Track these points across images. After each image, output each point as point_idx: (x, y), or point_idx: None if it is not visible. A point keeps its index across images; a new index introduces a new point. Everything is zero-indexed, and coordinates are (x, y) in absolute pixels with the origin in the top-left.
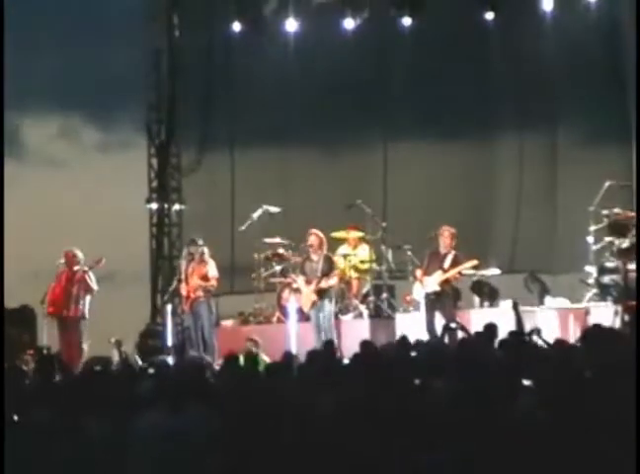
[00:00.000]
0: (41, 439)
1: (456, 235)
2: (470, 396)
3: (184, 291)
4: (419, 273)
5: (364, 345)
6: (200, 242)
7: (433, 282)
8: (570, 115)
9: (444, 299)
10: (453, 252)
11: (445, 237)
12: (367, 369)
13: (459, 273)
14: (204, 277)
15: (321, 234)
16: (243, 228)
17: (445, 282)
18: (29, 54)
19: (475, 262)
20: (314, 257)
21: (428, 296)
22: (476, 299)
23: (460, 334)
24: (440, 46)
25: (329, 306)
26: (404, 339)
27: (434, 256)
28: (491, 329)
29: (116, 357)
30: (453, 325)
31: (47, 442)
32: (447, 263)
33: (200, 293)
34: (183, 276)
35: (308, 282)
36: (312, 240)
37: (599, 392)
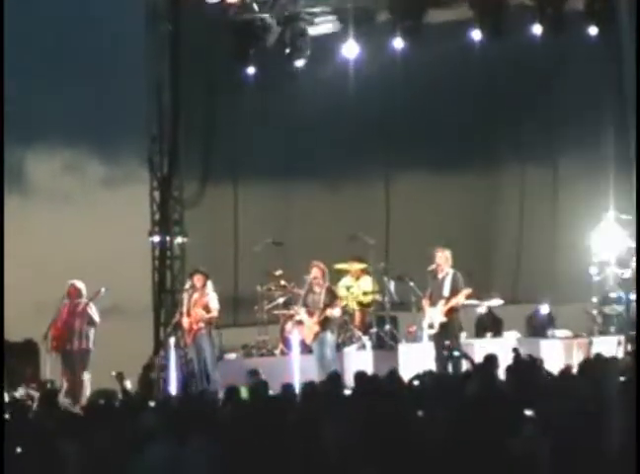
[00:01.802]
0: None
1: (450, 255)
2: (472, 427)
3: (186, 324)
4: (425, 303)
5: (358, 377)
6: (203, 270)
7: (437, 312)
8: (571, 145)
9: (449, 329)
10: (451, 273)
11: (439, 259)
12: (365, 401)
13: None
14: (206, 309)
15: (323, 266)
16: (246, 261)
17: (450, 310)
18: (32, 89)
19: (469, 290)
20: (316, 289)
21: (432, 327)
22: (480, 330)
23: (464, 364)
24: (439, 76)
25: (332, 338)
26: (394, 372)
27: (434, 283)
28: (491, 360)
29: (119, 391)
30: (457, 354)
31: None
32: (447, 287)
33: (202, 325)
34: (185, 309)
35: (310, 314)
36: (315, 272)
37: (600, 423)
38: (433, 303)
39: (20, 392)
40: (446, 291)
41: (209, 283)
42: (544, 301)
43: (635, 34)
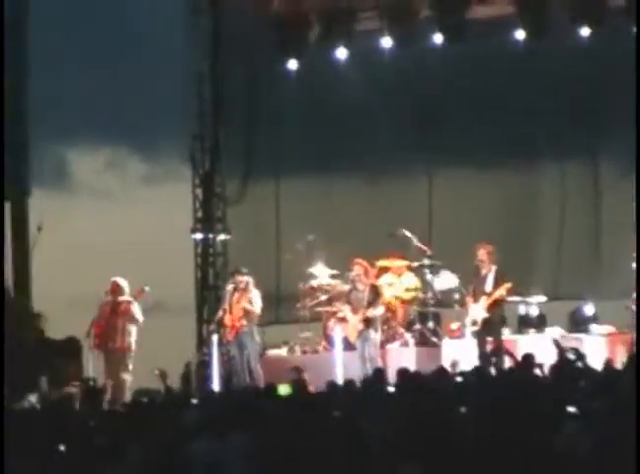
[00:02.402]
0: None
1: (493, 251)
2: (514, 424)
3: (228, 321)
4: (468, 300)
5: (401, 373)
6: (245, 272)
7: (480, 309)
8: (614, 140)
9: (492, 326)
10: (493, 269)
11: (481, 256)
12: (409, 398)
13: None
14: (249, 307)
15: (366, 263)
16: (288, 258)
17: (492, 306)
18: (75, 88)
19: (509, 284)
20: (360, 286)
21: (476, 324)
22: (523, 326)
23: (507, 361)
24: (482, 73)
25: (374, 335)
26: (443, 369)
27: (477, 280)
28: (528, 359)
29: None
30: (500, 352)
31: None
32: (489, 283)
33: (244, 323)
34: (227, 306)
35: (354, 312)
36: (357, 270)
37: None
38: (476, 300)
39: (62, 390)
40: (489, 287)
41: (251, 281)
42: (587, 298)
43: (636, 34)
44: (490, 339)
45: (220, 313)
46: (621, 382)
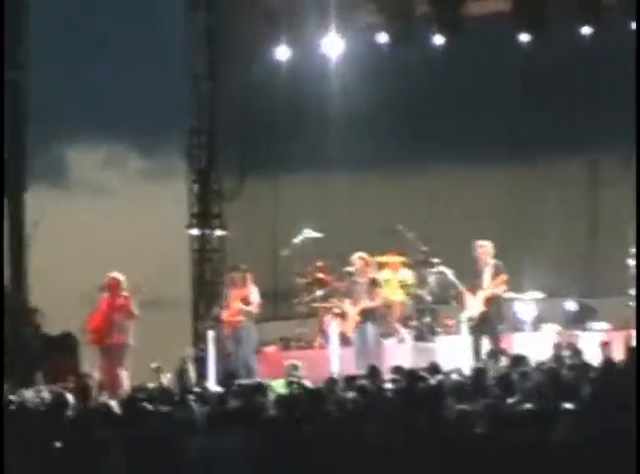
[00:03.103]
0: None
1: (490, 247)
2: (512, 421)
3: (225, 316)
4: (466, 294)
5: (396, 371)
6: (244, 268)
7: (477, 303)
8: (611, 135)
9: (489, 321)
10: (491, 263)
11: (480, 253)
12: (403, 395)
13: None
14: (246, 303)
15: (367, 257)
16: (285, 254)
17: (489, 301)
18: (73, 85)
19: (504, 277)
20: (360, 280)
21: (472, 319)
22: (518, 323)
23: (503, 359)
24: (478, 69)
25: (372, 329)
26: (435, 365)
27: (475, 275)
28: (518, 360)
29: (157, 384)
30: (496, 350)
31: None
32: (486, 278)
33: (242, 318)
34: (224, 303)
35: (354, 304)
36: (358, 264)
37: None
38: (474, 294)
39: (57, 386)
40: (487, 282)
41: (250, 277)
42: (580, 294)
43: (636, 34)
44: (486, 335)
45: (217, 309)
46: (617, 379)
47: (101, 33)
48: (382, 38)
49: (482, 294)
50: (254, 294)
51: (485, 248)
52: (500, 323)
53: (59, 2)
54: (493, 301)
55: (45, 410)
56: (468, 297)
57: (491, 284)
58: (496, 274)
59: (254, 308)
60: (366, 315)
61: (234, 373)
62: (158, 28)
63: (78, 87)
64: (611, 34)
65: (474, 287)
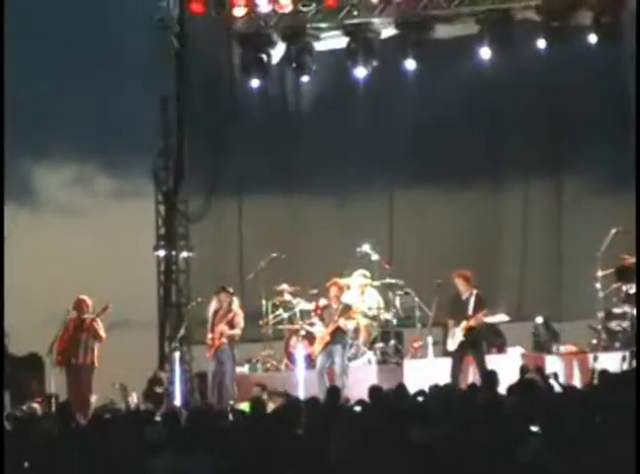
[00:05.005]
0: None
1: (471, 275)
2: (478, 442)
3: (209, 339)
4: (451, 323)
5: (373, 391)
6: (230, 291)
7: (460, 332)
8: (575, 162)
9: (472, 347)
10: (475, 293)
11: (462, 281)
12: (369, 416)
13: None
14: (230, 325)
15: (341, 283)
16: (251, 276)
17: (469, 330)
18: (41, 104)
19: (485, 312)
20: (334, 305)
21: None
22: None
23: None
24: (446, 95)
25: (341, 350)
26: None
27: (457, 304)
28: (491, 376)
29: (122, 403)
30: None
31: None
32: (471, 307)
33: (225, 341)
34: (209, 325)
35: (326, 326)
36: (333, 291)
37: (607, 436)
38: (457, 323)
39: (24, 406)
40: (470, 311)
41: (235, 301)
42: (549, 318)
43: (635, 39)
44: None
45: (183, 330)
46: (584, 401)
47: (70, 51)
48: (352, 63)
49: (466, 323)
50: (239, 319)
51: (466, 275)
52: (483, 348)
53: (29, 21)
54: (475, 330)
55: (12, 429)
56: (452, 326)
57: (474, 315)
58: (479, 302)
59: (237, 332)
60: (336, 335)
61: (209, 394)
62: (127, 48)
63: (47, 105)
64: (576, 54)
65: (458, 316)
